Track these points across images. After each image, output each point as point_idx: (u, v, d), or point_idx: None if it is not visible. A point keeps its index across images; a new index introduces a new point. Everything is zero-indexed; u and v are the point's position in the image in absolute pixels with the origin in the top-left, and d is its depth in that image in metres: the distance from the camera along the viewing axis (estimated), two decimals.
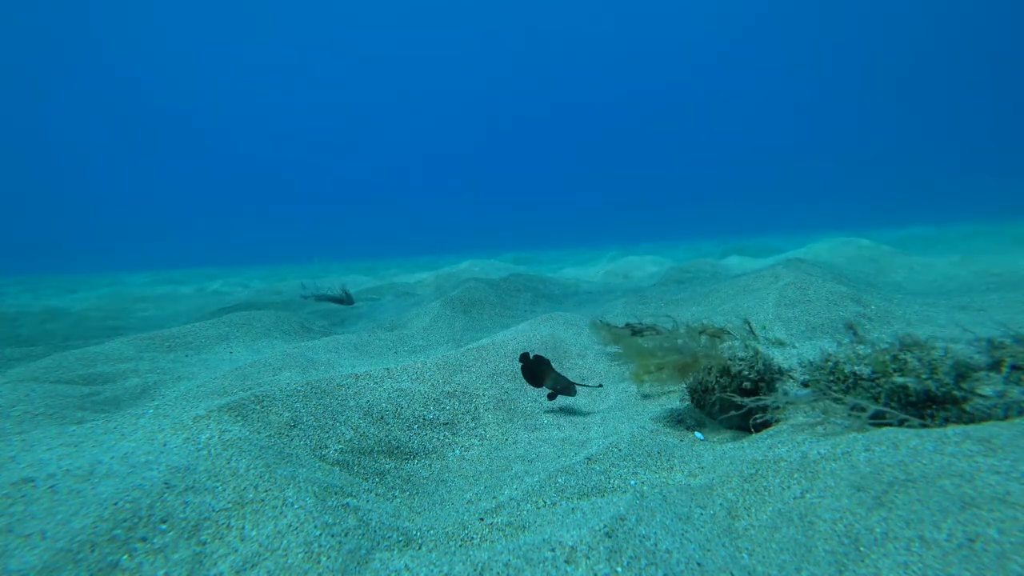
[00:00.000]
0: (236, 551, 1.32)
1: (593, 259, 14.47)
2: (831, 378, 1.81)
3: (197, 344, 4.24)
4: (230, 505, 1.47)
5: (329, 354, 3.68)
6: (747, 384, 1.96)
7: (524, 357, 2.64)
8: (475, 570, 1.18)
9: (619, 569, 1.13)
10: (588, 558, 1.17)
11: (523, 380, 2.84)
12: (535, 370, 2.63)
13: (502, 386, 2.75)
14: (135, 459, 1.69)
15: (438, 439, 2.29)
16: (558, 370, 3.03)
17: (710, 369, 2.02)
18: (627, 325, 2.62)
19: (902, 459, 1.32)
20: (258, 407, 2.15)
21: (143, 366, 3.57)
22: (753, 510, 1.40)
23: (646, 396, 2.52)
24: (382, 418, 2.32)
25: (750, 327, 2.04)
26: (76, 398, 2.93)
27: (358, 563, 1.27)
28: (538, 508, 1.57)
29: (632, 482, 1.67)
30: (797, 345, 2.83)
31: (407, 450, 2.17)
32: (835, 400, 1.77)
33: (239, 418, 2.02)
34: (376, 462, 2.05)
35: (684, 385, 2.15)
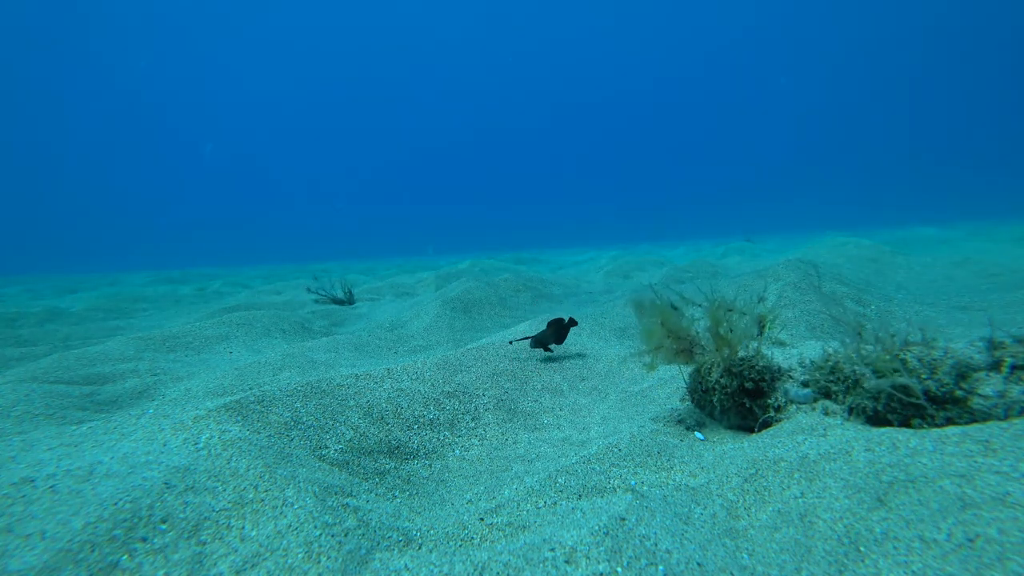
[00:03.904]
0: (236, 551, 1.32)
1: (594, 259, 14.45)
2: (831, 378, 1.81)
3: (197, 344, 4.24)
4: (230, 505, 1.47)
5: (329, 354, 3.68)
6: (748, 384, 1.96)
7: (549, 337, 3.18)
8: (475, 570, 1.18)
9: (619, 569, 1.13)
10: (588, 558, 1.16)
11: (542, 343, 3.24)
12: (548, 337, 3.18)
13: (502, 386, 2.75)
14: (135, 459, 1.69)
15: (438, 439, 2.28)
16: (560, 370, 3.06)
17: (711, 368, 2.02)
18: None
19: (902, 459, 1.32)
20: (258, 407, 2.15)
21: (143, 366, 3.58)
22: (753, 510, 1.40)
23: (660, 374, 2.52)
24: (382, 418, 2.32)
25: (758, 325, 2.04)
26: (76, 398, 2.93)
27: (358, 563, 1.27)
28: (538, 508, 1.57)
29: (632, 482, 1.67)
30: (797, 345, 2.82)
31: (407, 450, 2.17)
32: (835, 400, 1.77)
33: (239, 418, 2.02)
34: (376, 462, 2.05)
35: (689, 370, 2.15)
